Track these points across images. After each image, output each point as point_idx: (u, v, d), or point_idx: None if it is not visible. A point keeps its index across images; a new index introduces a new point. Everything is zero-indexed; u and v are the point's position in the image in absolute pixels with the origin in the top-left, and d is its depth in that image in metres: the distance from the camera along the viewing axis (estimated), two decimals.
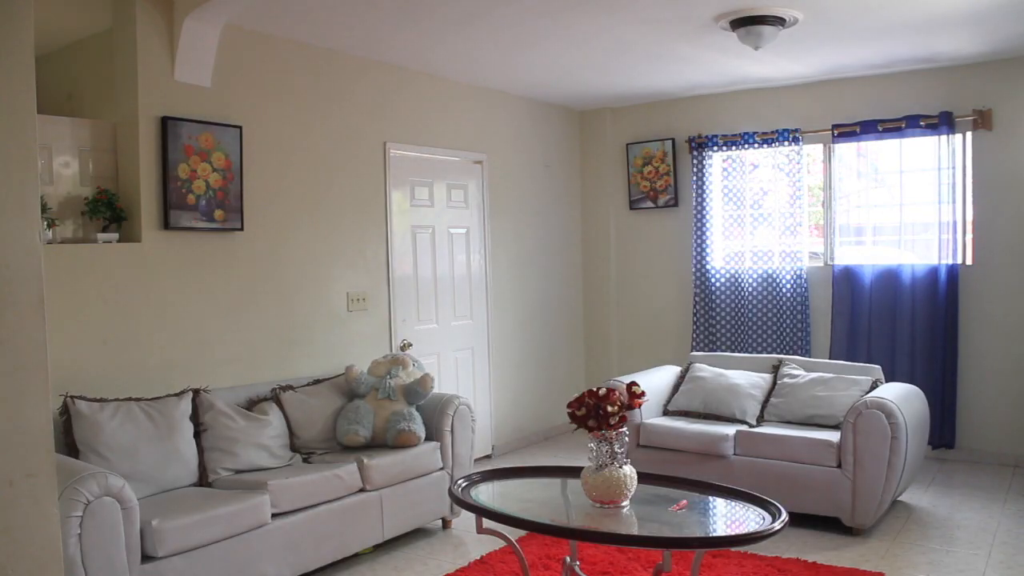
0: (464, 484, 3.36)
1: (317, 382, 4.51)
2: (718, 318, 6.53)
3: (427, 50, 5.06)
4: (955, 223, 5.62)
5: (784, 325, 6.26)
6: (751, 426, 4.73)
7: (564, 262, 7.04)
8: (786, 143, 6.18)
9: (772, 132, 6.23)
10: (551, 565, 3.89)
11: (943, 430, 5.66)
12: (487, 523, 3.18)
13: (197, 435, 3.80)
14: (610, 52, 5.21)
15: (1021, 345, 5.54)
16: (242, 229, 4.42)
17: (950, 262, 5.63)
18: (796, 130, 6.14)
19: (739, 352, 6.38)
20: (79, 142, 4.01)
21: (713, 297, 6.55)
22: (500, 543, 4.13)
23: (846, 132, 5.94)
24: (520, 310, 6.50)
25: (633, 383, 3.31)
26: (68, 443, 3.40)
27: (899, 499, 4.81)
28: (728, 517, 3.19)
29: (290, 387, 4.36)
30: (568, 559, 3.31)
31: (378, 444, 4.31)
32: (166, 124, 4.07)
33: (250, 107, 4.50)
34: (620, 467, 3.07)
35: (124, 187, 4.08)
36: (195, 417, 3.83)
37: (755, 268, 6.39)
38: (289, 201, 4.72)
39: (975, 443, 5.69)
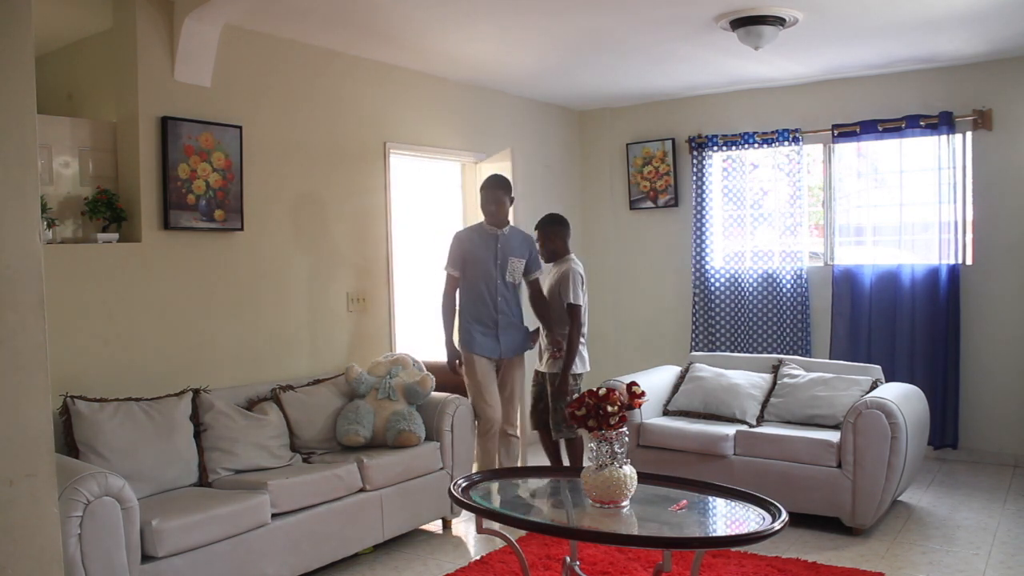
0: (464, 484, 3.36)
1: (317, 382, 4.51)
2: (718, 318, 6.53)
3: (427, 50, 5.06)
4: (955, 223, 5.62)
5: (784, 325, 6.26)
6: (751, 426, 4.72)
7: None
8: (786, 143, 6.18)
9: (772, 132, 6.23)
10: (551, 565, 3.89)
11: (945, 430, 5.66)
12: (487, 523, 3.18)
13: (197, 435, 3.80)
14: (610, 52, 5.21)
15: (1021, 345, 5.53)
16: (242, 229, 4.42)
17: (950, 262, 5.63)
18: (796, 130, 6.14)
19: (739, 352, 6.38)
20: (79, 142, 4.01)
21: (713, 297, 6.55)
22: (500, 543, 4.14)
23: (846, 132, 5.94)
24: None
25: (633, 383, 3.31)
26: (68, 443, 3.40)
27: (899, 499, 4.81)
28: (728, 517, 3.19)
29: (290, 387, 4.36)
30: (568, 559, 3.31)
31: (378, 444, 4.31)
32: (166, 124, 4.07)
33: (250, 107, 4.50)
34: (620, 467, 3.06)
35: (124, 187, 4.08)
36: (195, 417, 3.82)
37: (755, 268, 6.39)
38: (289, 201, 4.72)
39: (975, 443, 5.69)
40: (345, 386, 4.50)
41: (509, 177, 5.15)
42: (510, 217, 4.82)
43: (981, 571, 3.78)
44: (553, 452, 4.97)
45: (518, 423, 4.79)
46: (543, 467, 4.67)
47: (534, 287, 4.82)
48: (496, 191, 4.68)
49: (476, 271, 4.65)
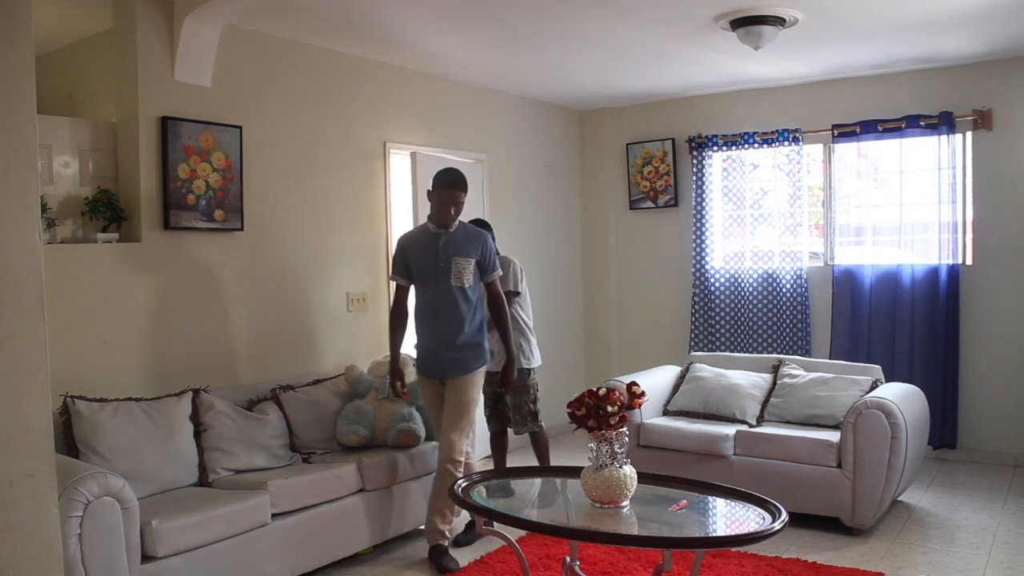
0: (464, 484, 3.36)
1: (317, 382, 4.51)
2: (718, 318, 6.53)
3: (426, 50, 5.06)
4: (955, 223, 5.62)
5: (784, 325, 6.26)
6: (751, 426, 4.72)
7: (564, 262, 7.04)
8: (786, 143, 6.18)
9: (772, 132, 6.23)
10: (551, 565, 3.89)
11: (944, 430, 5.66)
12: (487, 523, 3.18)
13: (197, 435, 3.80)
14: (610, 52, 5.21)
15: (1021, 345, 5.53)
16: (242, 229, 4.42)
17: (950, 262, 5.63)
18: (796, 130, 6.14)
19: (739, 352, 6.38)
20: (79, 142, 4.01)
21: (713, 297, 6.55)
22: (500, 543, 4.13)
23: (846, 132, 5.94)
24: None
25: (633, 383, 3.31)
26: (68, 443, 3.40)
27: (899, 499, 4.81)
28: (728, 517, 3.19)
29: (290, 387, 4.36)
30: (568, 559, 3.31)
31: (378, 444, 4.31)
32: (166, 124, 4.07)
33: (250, 107, 4.50)
34: (620, 467, 3.06)
35: (124, 187, 4.08)
36: (195, 417, 3.82)
37: (755, 268, 6.39)
38: (289, 201, 4.72)
39: (975, 443, 5.69)
40: (345, 386, 4.50)
41: (418, 180, 5.13)
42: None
43: (981, 571, 3.78)
44: (500, 450, 4.88)
45: (459, 458, 3.98)
46: (543, 467, 4.66)
47: (492, 290, 4.17)
48: (456, 192, 3.98)
49: (421, 277, 4.07)
